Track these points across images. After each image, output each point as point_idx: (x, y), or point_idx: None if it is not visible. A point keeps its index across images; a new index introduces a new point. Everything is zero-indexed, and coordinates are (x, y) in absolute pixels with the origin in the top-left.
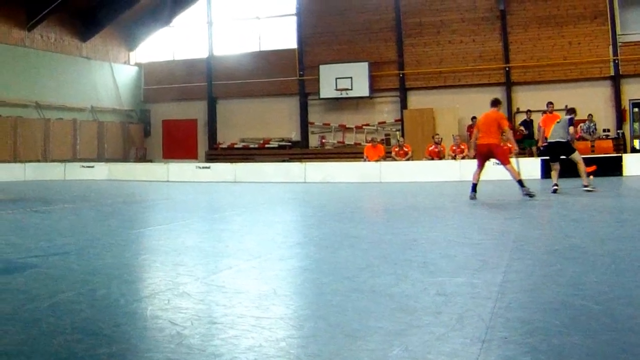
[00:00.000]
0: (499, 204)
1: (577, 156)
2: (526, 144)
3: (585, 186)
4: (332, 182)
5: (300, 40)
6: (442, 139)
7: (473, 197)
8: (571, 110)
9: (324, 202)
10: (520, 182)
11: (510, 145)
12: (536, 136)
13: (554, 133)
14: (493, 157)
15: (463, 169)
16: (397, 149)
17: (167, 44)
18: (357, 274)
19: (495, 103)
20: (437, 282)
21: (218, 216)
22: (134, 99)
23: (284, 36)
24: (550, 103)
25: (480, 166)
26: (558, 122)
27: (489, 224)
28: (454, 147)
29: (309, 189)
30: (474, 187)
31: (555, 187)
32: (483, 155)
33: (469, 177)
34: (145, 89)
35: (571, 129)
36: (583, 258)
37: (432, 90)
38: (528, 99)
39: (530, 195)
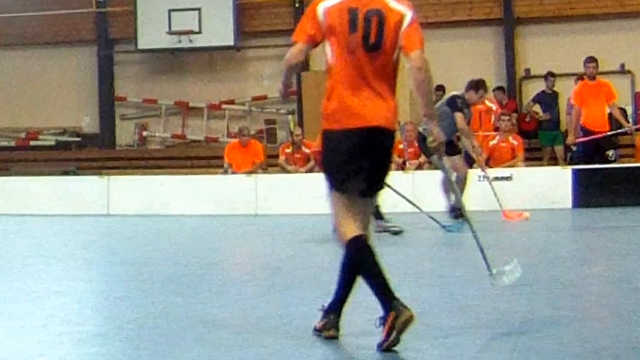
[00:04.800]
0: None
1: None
2: (545, 138)
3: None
4: (164, 214)
5: None
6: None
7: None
8: (477, 85)
9: (147, 254)
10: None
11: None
12: (564, 123)
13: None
14: None
15: (419, 187)
16: (289, 150)
17: None
18: None
19: None
20: None
21: None
22: None
23: None
24: (590, 60)
25: None
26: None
27: (472, 294)
28: (404, 145)
29: (118, 228)
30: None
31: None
32: None
33: (432, 205)
34: None
35: (458, 117)
36: None
37: None
38: (547, 53)
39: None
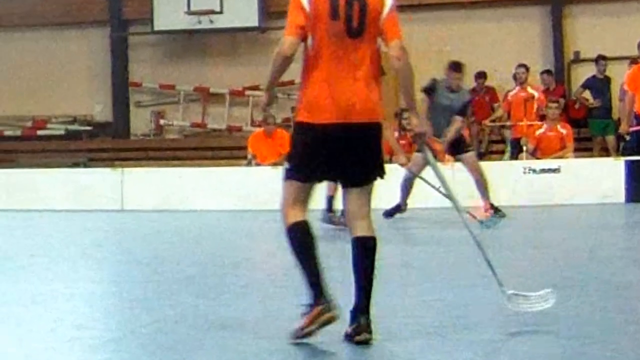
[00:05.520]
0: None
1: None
2: (596, 127)
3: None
4: (182, 209)
5: None
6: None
7: (330, 221)
8: (456, 66)
9: (164, 253)
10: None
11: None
12: (616, 110)
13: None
14: None
15: (460, 181)
16: None
17: None
18: None
19: None
20: None
21: None
22: None
23: None
24: None
25: None
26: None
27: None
28: None
29: (132, 224)
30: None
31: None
32: None
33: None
34: None
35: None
36: None
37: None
38: (598, 34)
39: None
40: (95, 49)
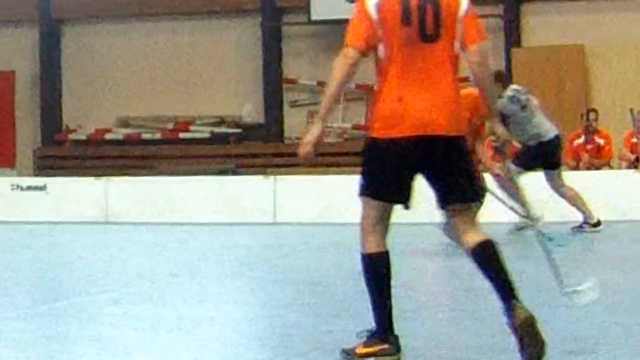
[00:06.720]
0: None
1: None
2: None
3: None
4: (342, 222)
5: None
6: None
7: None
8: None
9: (321, 272)
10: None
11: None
12: None
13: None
14: None
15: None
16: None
17: None
18: None
19: None
20: None
21: (67, 304)
22: None
23: None
24: None
25: None
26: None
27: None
28: (637, 138)
29: (286, 239)
30: None
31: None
32: None
33: None
34: None
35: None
36: None
37: (583, 1)
38: None
39: None
40: (245, 41)
